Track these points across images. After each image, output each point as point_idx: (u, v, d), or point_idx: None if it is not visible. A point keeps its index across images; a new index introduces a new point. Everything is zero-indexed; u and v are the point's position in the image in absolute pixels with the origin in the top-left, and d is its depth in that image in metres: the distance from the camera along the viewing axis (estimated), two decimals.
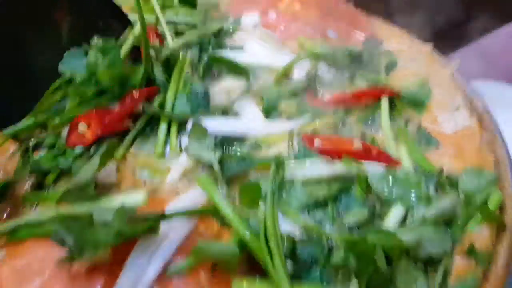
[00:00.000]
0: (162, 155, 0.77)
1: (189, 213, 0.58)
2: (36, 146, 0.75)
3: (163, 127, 0.79)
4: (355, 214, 0.61)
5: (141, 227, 0.49)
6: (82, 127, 0.75)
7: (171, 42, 0.94)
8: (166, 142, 0.78)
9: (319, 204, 0.63)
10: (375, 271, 0.51)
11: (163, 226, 0.53)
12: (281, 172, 0.64)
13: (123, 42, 0.88)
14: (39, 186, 0.71)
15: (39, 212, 0.60)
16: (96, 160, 0.65)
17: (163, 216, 0.51)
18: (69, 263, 0.51)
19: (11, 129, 0.74)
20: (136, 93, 0.79)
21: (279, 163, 0.64)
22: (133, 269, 0.50)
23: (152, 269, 0.51)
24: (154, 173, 0.75)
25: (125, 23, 0.91)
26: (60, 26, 0.82)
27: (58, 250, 0.53)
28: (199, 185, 0.62)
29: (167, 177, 0.73)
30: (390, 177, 0.64)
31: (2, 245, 0.60)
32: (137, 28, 0.89)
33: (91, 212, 0.53)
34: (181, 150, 0.77)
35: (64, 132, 0.75)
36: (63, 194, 0.61)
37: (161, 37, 0.97)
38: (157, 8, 1.00)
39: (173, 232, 0.55)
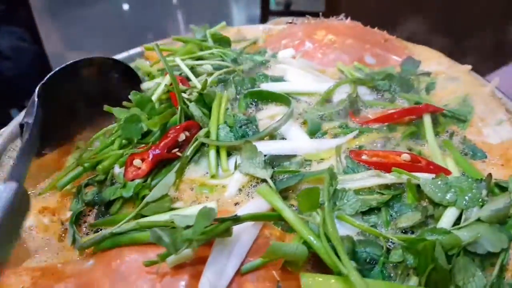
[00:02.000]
0: (216, 176, 0.82)
1: (257, 217, 0.62)
2: (86, 184, 0.82)
3: (212, 153, 0.85)
4: (408, 217, 0.64)
5: (220, 228, 0.53)
6: (137, 162, 0.82)
7: (197, 84, 1.02)
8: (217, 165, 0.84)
9: (372, 210, 0.66)
10: (435, 268, 0.53)
11: (235, 229, 0.58)
12: (334, 182, 0.67)
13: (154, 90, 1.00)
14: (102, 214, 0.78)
15: (121, 226, 0.65)
16: (171, 177, 0.71)
17: (237, 219, 0.56)
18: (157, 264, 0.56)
19: (63, 182, 0.82)
20: (175, 128, 0.88)
21: (332, 173, 0.67)
22: (215, 266, 0.54)
23: (231, 267, 0.56)
24: (211, 191, 0.80)
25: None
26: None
27: (143, 255, 0.59)
28: (261, 195, 0.66)
29: (225, 193, 0.78)
30: (443, 183, 0.67)
31: (90, 255, 0.67)
32: (167, 77, 1.01)
33: (171, 220, 0.58)
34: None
35: (114, 170, 0.83)
36: (142, 207, 0.67)
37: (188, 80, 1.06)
38: (180, 62, 1.09)
39: (244, 235, 0.59)
